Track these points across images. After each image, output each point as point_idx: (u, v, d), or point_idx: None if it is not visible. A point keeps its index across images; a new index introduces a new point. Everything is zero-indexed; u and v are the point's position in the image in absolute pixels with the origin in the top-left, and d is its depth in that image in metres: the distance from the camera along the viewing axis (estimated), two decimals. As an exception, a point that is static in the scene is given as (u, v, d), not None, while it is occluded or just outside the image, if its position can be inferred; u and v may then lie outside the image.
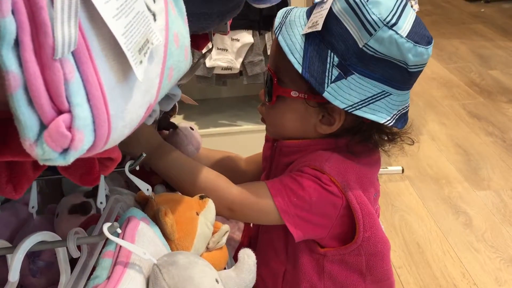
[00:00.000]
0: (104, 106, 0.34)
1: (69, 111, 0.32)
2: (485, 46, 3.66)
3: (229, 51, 2.16)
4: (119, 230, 0.51)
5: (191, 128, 0.86)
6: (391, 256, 0.84)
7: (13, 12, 0.29)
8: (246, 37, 2.14)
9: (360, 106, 0.69)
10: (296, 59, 0.68)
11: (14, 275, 0.48)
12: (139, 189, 0.68)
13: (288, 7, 0.79)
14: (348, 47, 0.67)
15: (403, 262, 1.67)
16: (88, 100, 0.33)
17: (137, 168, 0.66)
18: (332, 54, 0.68)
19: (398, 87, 0.71)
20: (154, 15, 0.41)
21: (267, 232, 0.80)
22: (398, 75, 0.69)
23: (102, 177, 0.66)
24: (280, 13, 0.77)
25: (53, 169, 0.57)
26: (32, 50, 0.30)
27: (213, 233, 0.71)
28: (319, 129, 0.76)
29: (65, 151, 0.33)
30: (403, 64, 0.68)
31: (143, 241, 0.56)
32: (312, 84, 0.69)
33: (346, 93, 0.68)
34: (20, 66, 0.30)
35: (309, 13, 0.73)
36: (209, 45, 0.85)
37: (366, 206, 0.74)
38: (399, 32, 0.66)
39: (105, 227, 0.50)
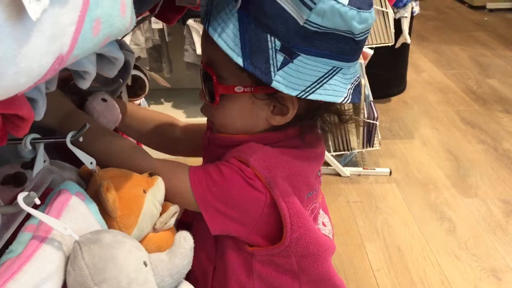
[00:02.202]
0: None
1: None
2: (485, 54, 3.61)
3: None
4: (37, 201, 0.46)
5: (104, 100, 0.78)
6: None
7: None
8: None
9: (313, 89, 0.63)
10: (233, 51, 0.61)
11: None
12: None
13: None
14: (289, 27, 0.61)
15: (382, 265, 1.63)
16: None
17: (81, 139, 0.61)
18: (272, 38, 0.61)
19: (347, 60, 0.65)
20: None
21: (199, 221, 0.72)
22: (346, 47, 0.64)
23: (41, 146, 0.61)
24: None
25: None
26: None
27: (161, 213, 0.66)
28: (272, 121, 0.70)
29: None
30: (349, 34, 0.63)
31: (70, 217, 0.51)
32: (257, 75, 0.62)
33: (296, 77, 0.63)
34: None
35: None
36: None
37: (294, 205, 0.67)
38: (340, 1, 0.61)
39: (21, 196, 0.45)
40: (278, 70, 0.62)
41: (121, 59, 0.53)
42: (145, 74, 1.03)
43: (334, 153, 2.10)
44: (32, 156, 0.63)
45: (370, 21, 0.64)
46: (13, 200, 0.52)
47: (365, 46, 2.12)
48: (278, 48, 0.61)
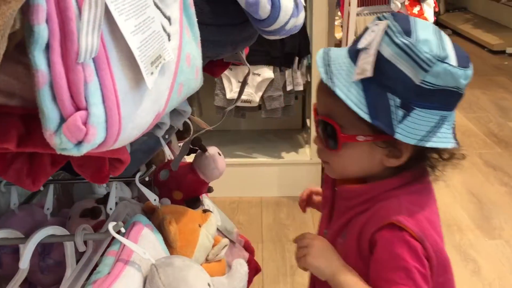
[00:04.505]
0: (117, 108, 0.39)
1: (86, 109, 0.38)
2: (506, 98, 3.67)
3: (250, 84, 2.23)
4: (123, 230, 0.55)
5: (219, 154, 0.93)
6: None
7: (47, 21, 0.34)
8: (267, 72, 2.22)
9: (428, 137, 0.73)
10: (360, 109, 0.71)
11: (24, 263, 0.53)
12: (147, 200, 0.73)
13: (323, 50, 0.80)
14: (407, 87, 0.71)
15: (407, 304, 1.66)
16: (103, 101, 0.39)
17: (147, 179, 0.71)
18: (393, 96, 0.71)
19: (451, 109, 0.75)
20: (168, 35, 0.46)
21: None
22: (452, 99, 0.74)
23: (113, 185, 0.72)
24: (320, 59, 0.77)
25: (68, 171, 0.62)
26: (60, 54, 0.36)
27: (213, 246, 0.75)
28: (386, 163, 0.77)
29: (79, 143, 0.38)
30: (456, 89, 0.73)
31: (144, 244, 0.60)
32: (383, 129, 0.71)
33: (413, 128, 0.72)
34: (48, 66, 0.36)
35: (352, 56, 0.74)
36: (245, 70, 0.92)
37: (441, 253, 0.76)
38: (451, 63, 0.71)
39: (111, 225, 0.54)
40: (399, 123, 0.71)
41: (188, 112, 0.64)
42: (189, 118, 1.14)
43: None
44: (105, 193, 0.74)
45: (471, 75, 0.74)
46: (92, 231, 0.62)
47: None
48: (398, 105, 0.71)
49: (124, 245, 0.57)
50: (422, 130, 0.72)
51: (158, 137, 0.86)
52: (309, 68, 2.34)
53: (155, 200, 0.72)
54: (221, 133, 2.33)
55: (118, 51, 0.40)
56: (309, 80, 2.37)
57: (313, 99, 2.32)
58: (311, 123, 2.42)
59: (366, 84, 0.71)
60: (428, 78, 0.70)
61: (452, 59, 0.71)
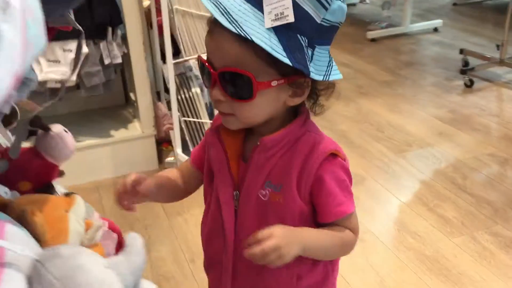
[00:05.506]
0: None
1: None
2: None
3: (62, 62, 2.03)
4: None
5: (65, 131, 0.80)
6: None
7: None
8: (81, 46, 2.04)
9: (328, 72, 0.77)
10: (280, 54, 0.70)
11: None
12: None
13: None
14: (311, 26, 0.73)
15: None
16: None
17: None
18: (302, 37, 0.73)
19: (331, 44, 0.80)
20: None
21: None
22: (334, 34, 0.79)
23: None
24: (212, 8, 0.72)
25: None
26: None
27: (86, 230, 0.67)
28: (290, 103, 0.80)
29: None
30: (340, 24, 0.78)
31: (15, 241, 0.50)
32: (302, 70, 0.72)
33: (319, 66, 0.75)
34: None
35: (252, 2, 0.73)
36: (55, 47, 0.80)
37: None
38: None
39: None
40: (310, 62, 0.74)
41: (35, 80, 0.54)
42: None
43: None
44: None
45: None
46: None
47: (202, 54, 2.25)
48: (307, 44, 0.74)
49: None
50: (323, 66, 0.77)
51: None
52: (124, 38, 2.22)
53: (6, 193, 0.61)
54: (37, 121, 2.10)
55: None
56: (125, 51, 2.26)
57: (135, 71, 2.22)
58: (136, 96, 2.32)
59: (277, 28, 0.71)
60: (327, 16, 0.74)
61: None
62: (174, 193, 0.94)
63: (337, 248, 0.84)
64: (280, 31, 0.71)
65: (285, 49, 0.71)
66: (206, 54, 0.79)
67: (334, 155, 0.81)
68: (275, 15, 0.71)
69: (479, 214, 1.99)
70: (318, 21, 0.74)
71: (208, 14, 0.73)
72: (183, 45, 2.20)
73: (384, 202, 2.12)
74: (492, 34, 4.01)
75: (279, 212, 0.81)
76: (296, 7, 0.72)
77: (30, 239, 0.55)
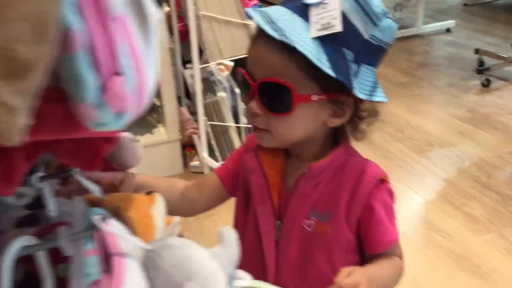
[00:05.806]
0: (143, 70, 0.34)
1: (120, 73, 0.32)
2: None
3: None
4: (103, 221, 0.49)
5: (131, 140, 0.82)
6: None
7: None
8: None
9: (373, 93, 0.72)
10: (324, 64, 0.66)
11: (5, 282, 0.44)
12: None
13: (253, 9, 0.74)
14: (358, 41, 0.70)
15: None
16: (133, 63, 0.33)
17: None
18: (347, 51, 0.69)
19: (378, 66, 0.76)
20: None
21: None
22: (382, 57, 0.75)
23: (45, 184, 0.62)
24: (258, 17, 0.69)
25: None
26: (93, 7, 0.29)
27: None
28: (329, 124, 0.75)
29: (119, 114, 0.32)
30: (388, 46, 0.75)
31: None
32: (345, 83, 0.68)
33: (363, 84, 0.71)
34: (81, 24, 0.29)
35: (299, 12, 0.70)
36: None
37: None
38: (392, 18, 0.73)
39: (95, 218, 0.48)
40: (355, 78, 0.70)
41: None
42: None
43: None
44: (31, 196, 0.63)
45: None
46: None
47: (227, 59, 2.28)
48: (352, 59, 0.70)
49: (103, 239, 0.50)
50: (368, 86, 0.72)
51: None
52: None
53: (99, 191, 0.65)
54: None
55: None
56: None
57: (160, 77, 2.24)
58: (161, 101, 2.36)
59: (323, 39, 0.67)
60: (376, 33, 0.71)
61: (390, 15, 0.73)
62: (192, 204, 0.89)
63: (393, 279, 0.80)
64: (326, 42, 0.68)
65: (329, 60, 0.67)
66: (241, 65, 0.78)
67: (382, 180, 0.78)
68: (321, 24, 0.68)
69: (505, 211, 2.01)
70: (366, 36, 0.71)
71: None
72: (209, 50, 2.24)
73: (410, 201, 2.15)
74: (505, 33, 4.03)
75: (326, 243, 0.77)
76: (344, 19, 0.68)
77: (128, 233, 0.58)
